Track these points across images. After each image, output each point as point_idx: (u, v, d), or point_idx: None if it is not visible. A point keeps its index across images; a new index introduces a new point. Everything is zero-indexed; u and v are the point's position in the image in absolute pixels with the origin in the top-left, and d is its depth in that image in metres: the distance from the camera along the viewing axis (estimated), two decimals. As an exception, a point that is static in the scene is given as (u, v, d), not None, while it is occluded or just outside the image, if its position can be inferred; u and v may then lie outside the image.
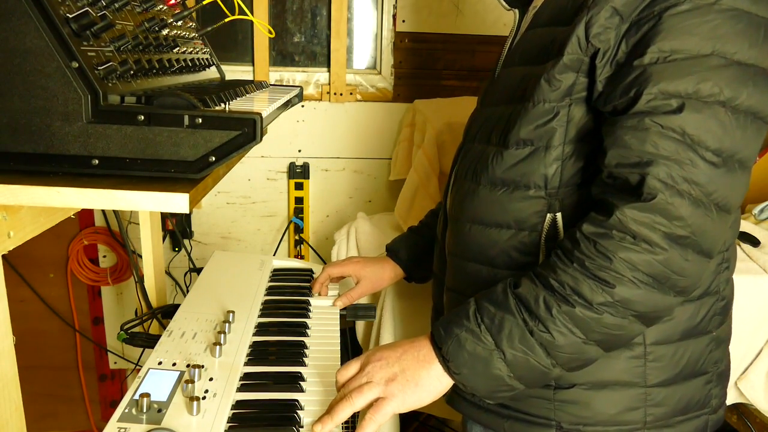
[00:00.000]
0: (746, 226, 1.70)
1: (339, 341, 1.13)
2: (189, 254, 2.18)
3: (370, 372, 0.85)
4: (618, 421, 0.88)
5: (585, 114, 0.82)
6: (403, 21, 2.21)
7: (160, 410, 0.83)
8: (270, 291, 1.30)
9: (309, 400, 0.92)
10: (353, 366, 0.88)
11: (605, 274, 0.75)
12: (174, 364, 0.95)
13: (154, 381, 0.89)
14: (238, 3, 1.03)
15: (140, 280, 1.41)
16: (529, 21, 0.95)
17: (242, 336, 1.06)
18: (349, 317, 1.31)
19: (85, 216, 2.20)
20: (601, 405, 0.87)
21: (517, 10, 1.00)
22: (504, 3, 1.01)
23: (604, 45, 0.77)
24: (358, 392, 0.83)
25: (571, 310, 0.77)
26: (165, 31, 0.99)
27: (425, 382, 0.83)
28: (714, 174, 0.73)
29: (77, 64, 0.69)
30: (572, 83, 0.81)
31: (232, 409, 0.88)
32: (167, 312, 1.28)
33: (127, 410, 0.82)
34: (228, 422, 0.85)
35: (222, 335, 1.02)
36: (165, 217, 2.09)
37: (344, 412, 0.83)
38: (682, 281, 0.76)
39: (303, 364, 1.03)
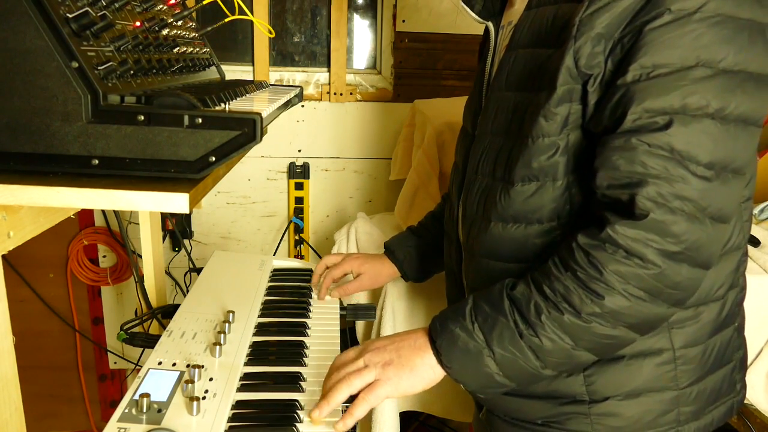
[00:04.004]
0: (746, 226, 1.70)
1: (339, 341, 1.12)
2: (189, 254, 2.18)
3: (368, 357, 0.87)
4: (653, 424, 0.88)
5: (582, 139, 0.81)
6: (403, 21, 2.21)
7: (160, 410, 0.83)
8: (270, 291, 1.30)
9: (309, 400, 0.92)
10: (351, 353, 0.90)
11: (595, 285, 0.75)
12: (174, 364, 0.95)
13: (154, 381, 0.89)
14: (238, 3, 1.03)
15: (140, 280, 1.41)
16: (506, 38, 0.93)
17: (242, 336, 1.06)
18: (349, 317, 1.31)
19: (85, 216, 2.20)
20: (637, 413, 0.88)
21: (491, 24, 0.98)
22: (476, 17, 0.99)
23: (595, 70, 0.76)
24: (356, 374, 0.85)
25: (560, 317, 0.77)
26: (165, 31, 0.99)
27: (419, 368, 0.85)
28: (707, 188, 0.72)
29: (77, 64, 0.69)
30: (568, 113, 0.80)
31: (232, 409, 0.88)
32: (167, 312, 1.28)
33: (127, 410, 0.82)
34: (228, 422, 0.85)
35: (222, 335, 1.02)
36: (165, 217, 2.09)
37: (341, 394, 0.85)
38: (676, 294, 0.76)
39: (303, 364, 1.03)
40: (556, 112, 0.79)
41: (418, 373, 0.85)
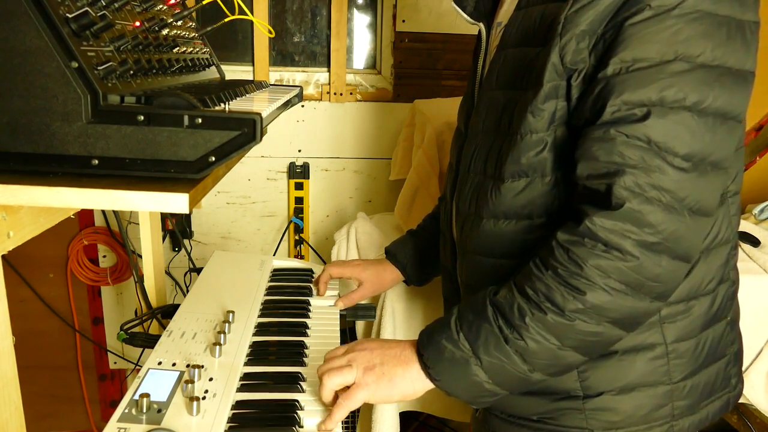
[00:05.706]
0: (746, 226, 1.70)
1: (339, 341, 1.12)
2: (189, 254, 2.18)
3: (353, 357, 0.88)
4: (648, 419, 0.89)
5: (568, 135, 0.82)
6: (403, 21, 2.21)
7: (159, 410, 0.83)
8: (270, 291, 1.30)
9: (309, 400, 0.92)
10: (341, 348, 0.91)
11: (576, 281, 0.75)
12: (174, 364, 0.95)
13: (154, 381, 0.89)
14: (238, 3, 1.03)
15: (140, 280, 1.41)
16: (497, 38, 0.94)
17: (242, 336, 1.06)
18: (349, 317, 1.31)
19: (85, 216, 2.20)
20: (631, 408, 0.88)
21: (482, 25, 0.99)
22: (468, 18, 1.00)
23: (580, 65, 0.77)
24: (338, 372, 0.87)
25: (544, 317, 0.77)
26: (165, 31, 0.99)
27: (399, 380, 0.86)
28: (684, 179, 0.72)
29: (77, 64, 0.69)
30: (554, 109, 0.80)
31: (232, 409, 0.88)
32: (167, 312, 1.28)
33: (127, 410, 0.82)
34: (228, 422, 0.85)
35: (222, 335, 1.02)
36: (165, 217, 2.09)
37: (324, 388, 0.87)
38: (657, 287, 0.76)
39: (303, 364, 1.03)
40: (543, 108, 0.80)
41: (396, 385, 0.85)
